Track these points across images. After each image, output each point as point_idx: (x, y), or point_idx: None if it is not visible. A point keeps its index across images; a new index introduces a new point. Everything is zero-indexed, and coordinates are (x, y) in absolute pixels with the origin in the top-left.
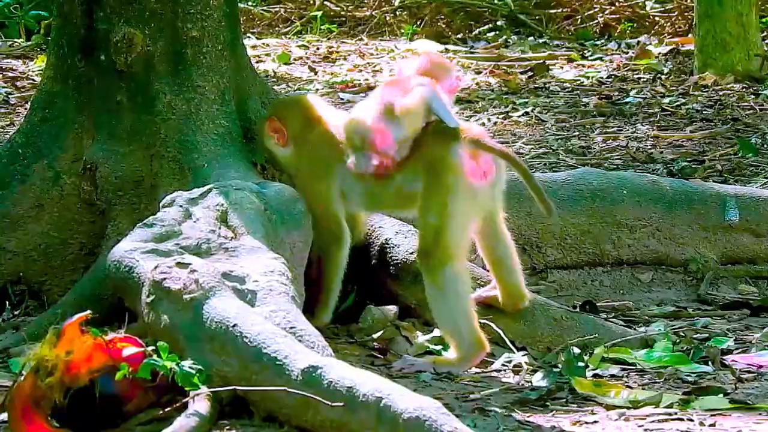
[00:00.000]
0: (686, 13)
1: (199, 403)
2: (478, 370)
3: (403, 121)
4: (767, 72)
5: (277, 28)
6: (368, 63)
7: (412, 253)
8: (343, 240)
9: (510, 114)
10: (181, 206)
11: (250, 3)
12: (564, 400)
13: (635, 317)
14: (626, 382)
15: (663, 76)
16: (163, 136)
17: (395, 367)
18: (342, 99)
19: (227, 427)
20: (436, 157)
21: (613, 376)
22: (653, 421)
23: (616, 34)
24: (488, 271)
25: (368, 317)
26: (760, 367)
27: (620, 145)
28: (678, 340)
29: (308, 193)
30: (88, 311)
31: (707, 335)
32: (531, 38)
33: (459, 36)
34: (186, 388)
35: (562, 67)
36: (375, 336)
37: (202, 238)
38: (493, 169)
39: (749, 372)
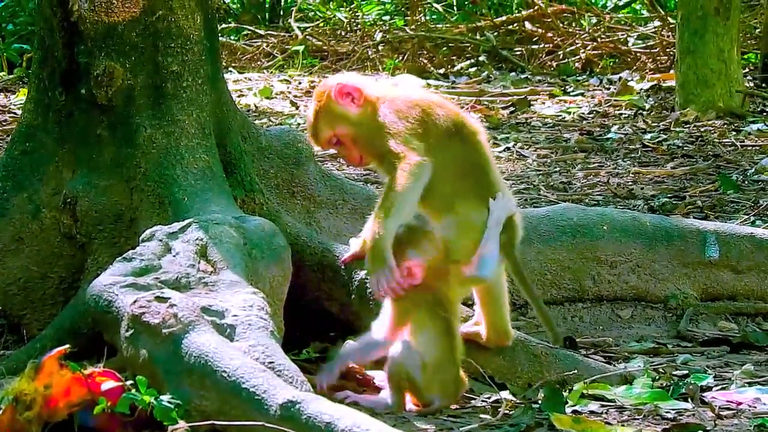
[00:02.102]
0: (668, 49)
1: None
2: (457, 405)
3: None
4: (749, 108)
5: (259, 63)
6: None
7: None
8: (422, 164)
9: (491, 149)
10: (160, 240)
11: (232, 37)
12: None
13: (615, 353)
14: (605, 418)
15: (644, 112)
16: (143, 170)
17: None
18: None
19: None
20: (466, 221)
21: (592, 412)
22: None
23: (597, 70)
24: (471, 306)
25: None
26: (740, 404)
27: (601, 180)
28: (657, 377)
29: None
30: (67, 345)
31: (687, 372)
32: (513, 73)
33: (441, 71)
34: (164, 423)
35: (543, 103)
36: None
37: (181, 272)
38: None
39: (729, 409)
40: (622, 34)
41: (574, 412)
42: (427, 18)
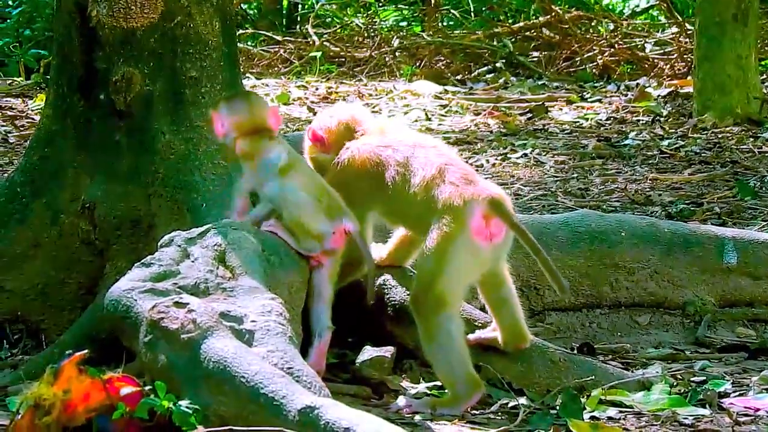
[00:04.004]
0: (685, 56)
1: None
2: (476, 412)
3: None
4: (766, 115)
5: (276, 69)
6: (367, 104)
7: (409, 294)
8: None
9: (509, 155)
10: (179, 246)
11: (249, 43)
12: None
13: (633, 359)
14: (623, 424)
15: (662, 119)
16: (161, 176)
17: (393, 408)
18: None
19: None
20: (447, 205)
21: (610, 418)
22: None
23: (615, 76)
24: (487, 312)
25: (366, 357)
26: (758, 410)
27: (619, 187)
28: (675, 383)
29: None
30: (86, 350)
31: (705, 378)
32: (530, 80)
33: (458, 77)
34: (183, 428)
35: (561, 109)
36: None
37: (200, 277)
38: (503, 234)
39: (747, 415)
40: (640, 41)
41: (592, 418)
42: (444, 24)
